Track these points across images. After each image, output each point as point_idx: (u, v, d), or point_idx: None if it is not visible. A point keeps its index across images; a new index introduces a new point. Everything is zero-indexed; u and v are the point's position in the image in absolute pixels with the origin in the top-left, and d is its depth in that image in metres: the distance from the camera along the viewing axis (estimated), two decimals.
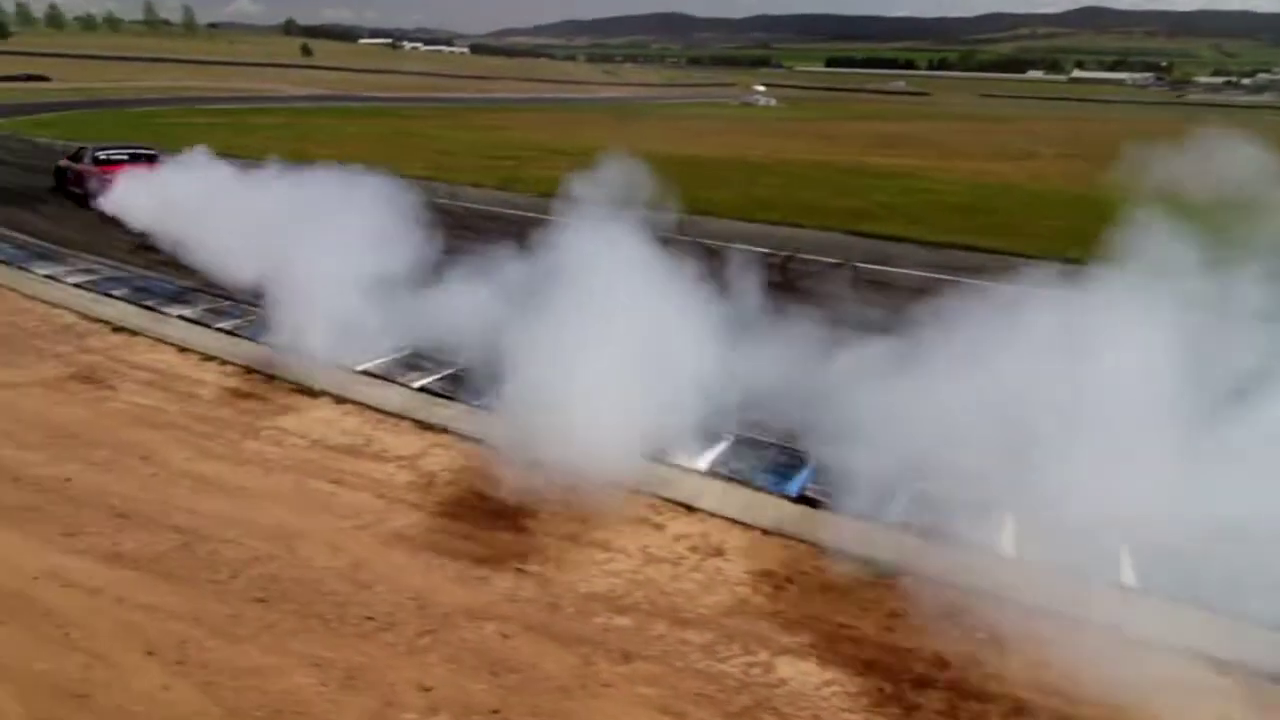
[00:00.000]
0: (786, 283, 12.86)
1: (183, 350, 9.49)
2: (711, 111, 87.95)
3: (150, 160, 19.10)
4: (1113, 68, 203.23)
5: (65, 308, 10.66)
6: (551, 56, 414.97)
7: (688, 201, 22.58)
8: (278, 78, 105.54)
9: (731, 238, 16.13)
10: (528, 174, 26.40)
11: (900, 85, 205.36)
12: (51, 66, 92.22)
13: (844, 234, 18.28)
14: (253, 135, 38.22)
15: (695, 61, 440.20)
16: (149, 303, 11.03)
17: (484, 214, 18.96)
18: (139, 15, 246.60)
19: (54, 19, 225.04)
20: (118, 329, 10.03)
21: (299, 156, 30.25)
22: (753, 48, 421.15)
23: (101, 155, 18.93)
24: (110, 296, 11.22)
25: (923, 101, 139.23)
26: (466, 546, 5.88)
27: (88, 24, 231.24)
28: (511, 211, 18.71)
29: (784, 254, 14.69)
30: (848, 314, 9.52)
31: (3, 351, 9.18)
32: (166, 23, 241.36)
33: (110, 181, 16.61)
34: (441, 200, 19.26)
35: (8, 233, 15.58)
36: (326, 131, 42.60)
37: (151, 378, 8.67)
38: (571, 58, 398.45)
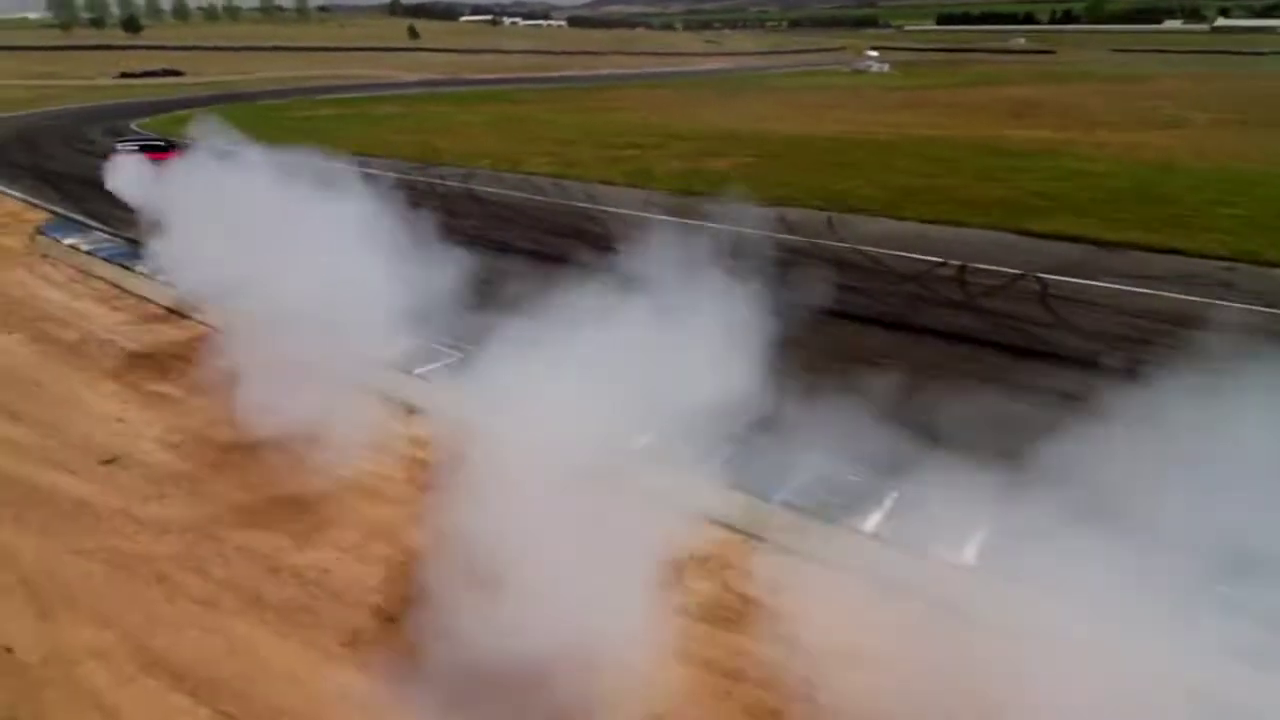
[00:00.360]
0: (969, 303, 11.87)
1: None
2: (823, 81, 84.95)
3: (160, 150, 22.03)
4: (1263, 14, 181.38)
5: None
6: (649, 26, 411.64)
7: (825, 194, 21.83)
8: (391, 63, 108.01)
9: (886, 241, 15.18)
10: (656, 166, 25.82)
11: (1021, 42, 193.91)
12: (182, 60, 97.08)
13: (1008, 233, 16.88)
14: (379, 128, 38.95)
15: (796, 24, 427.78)
16: None
17: (630, 220, 18.22)
18: (255, 2, 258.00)
19: (180, 10, 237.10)
20: None
21: (427, 152, 30.99)
22: (856, 7, 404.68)
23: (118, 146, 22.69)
24: None
25: (1048, 60, 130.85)
26: None
27: (210, 14, 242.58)
28: (657, 217, 18.18)
29: (954, 264, 13.66)
30: (1069, 347, 8.66)
31: None
32: (281, 9, 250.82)
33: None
34: (581, 203, 18.99)
35: None
36: (444, 121, 43.03)
37: None
38: (670, 26, 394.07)
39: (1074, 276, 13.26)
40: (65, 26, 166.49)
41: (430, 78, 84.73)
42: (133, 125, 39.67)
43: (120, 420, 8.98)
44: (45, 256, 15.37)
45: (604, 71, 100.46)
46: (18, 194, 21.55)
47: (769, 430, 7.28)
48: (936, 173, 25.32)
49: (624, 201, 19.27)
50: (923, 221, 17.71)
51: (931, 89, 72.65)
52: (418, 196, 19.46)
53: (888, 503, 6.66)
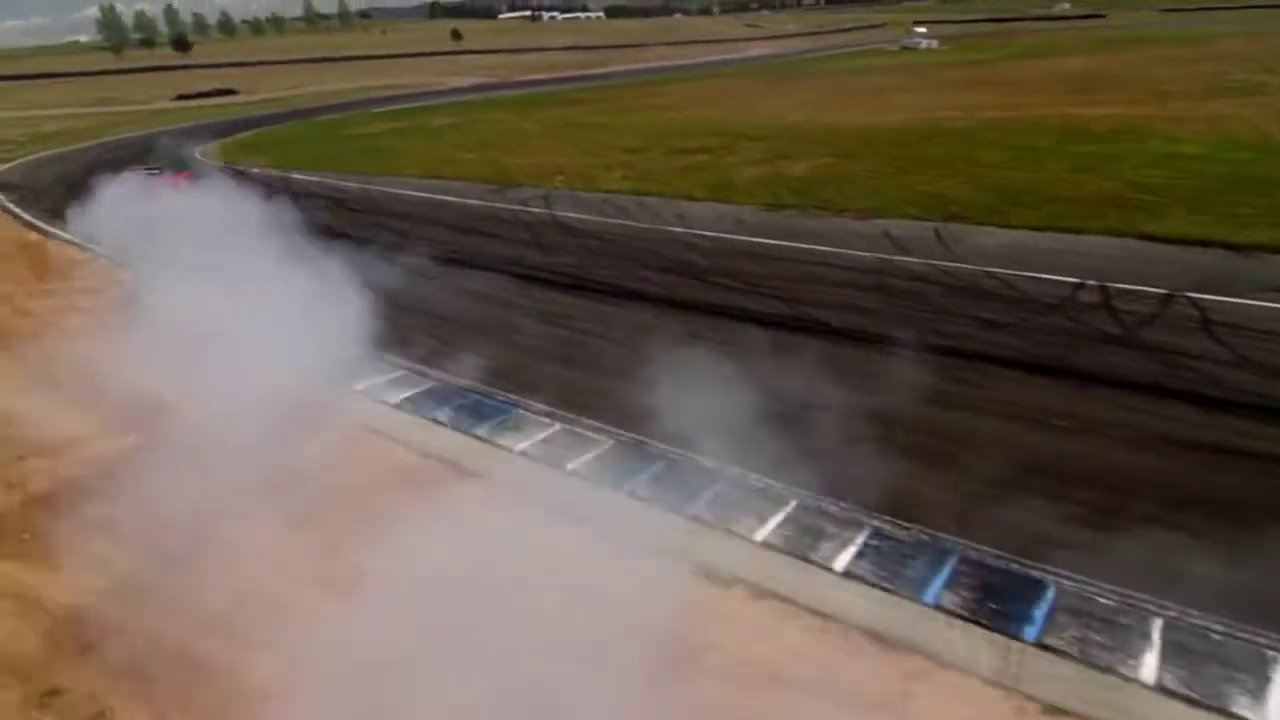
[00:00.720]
0: (1130, 338, 10.99)
1: None
2: (873, 62, 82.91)
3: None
4: None
5: None
6: (686, 11, 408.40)
7: (920, 200, 20.88)
8: (438, 68, 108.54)
9: (1009, 259, 14.28)
10: (732, 174, 25.12)
11: (1065, 7, 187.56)
12: (234, 77, 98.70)
13: (1129, 239, 15.77)
14: (440, 142, 38.83)
15: (835, 1, 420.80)
16: None
17: (735, 249, 17.04)
18: (298, 11, 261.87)
19: (226, 25, 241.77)
20: None
21: (498, 171, 30.67)
22: None
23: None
24: None
25: (1098, 25, 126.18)
26: None
27: (256, 28, 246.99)
28: (760, 241, 17.31)
29: (1093, 285, 12.72)
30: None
31: None
32: (323, 17, 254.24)
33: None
34: (674, 227, 18.36)
35: None
36: (504, 131, 42.73)
37: None
38: (706, 10, 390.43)
39: (1225, 295, 12.19)
40: (116, 49, 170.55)
41: (479, 82, 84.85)
42: (197, 154, 40.13)
43: None
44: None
45: (650, 64, 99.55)
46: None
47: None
48: (1024, 165, 24.17)
49: (717, 222, 18.62)
50: (1034, 229, 16.70)
51: (988, 64, 70.31)
52: (508, 229, 19.14)
53: None
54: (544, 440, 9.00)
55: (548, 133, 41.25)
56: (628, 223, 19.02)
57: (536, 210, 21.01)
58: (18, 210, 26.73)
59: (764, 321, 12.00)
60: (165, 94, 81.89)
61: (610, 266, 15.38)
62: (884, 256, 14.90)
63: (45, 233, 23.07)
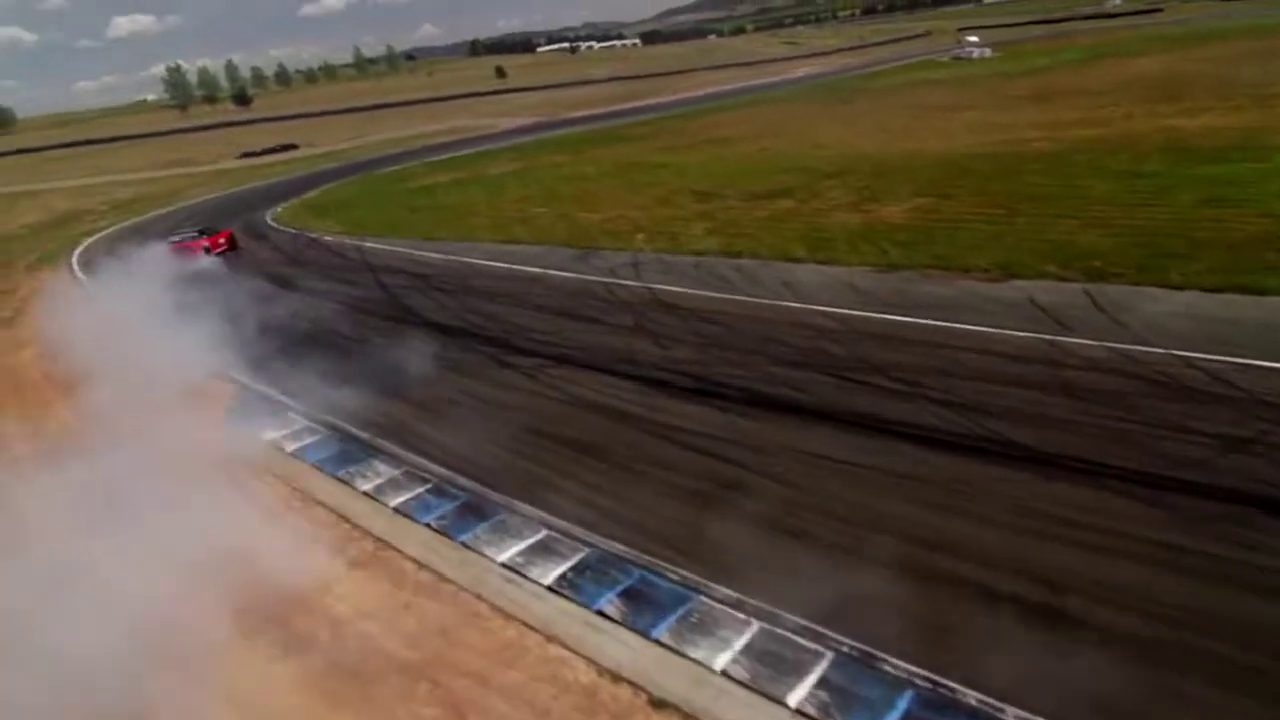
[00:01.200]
0: None
1: None
2: (930, 75, 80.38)
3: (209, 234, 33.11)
4: None
5: None
6: (719, 32, 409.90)
7: (1052, 253, 18.54)
8: (487, 109, 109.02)
9: (1197, 337, 12.09)
10: (826, 225, 23.28)
11: (1116, 3, 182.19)
12: (294, 131, 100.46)
13: None
14: (505, 196, 37.81)
15: (871, 11, 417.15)
16: None
17: (873, 332, 14.84)
18: (347, 58, 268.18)
19: (282, 76, 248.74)
20: None
21: (574, 231, 29.20)
22: None
23: (175, 237, 33.83)
24: None
25: (1157, 21, 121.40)
26: None
27: (310, 77, 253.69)
28: (892, 319, 15.24)
29: None
30: None
31: None
32: (372, 61, 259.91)
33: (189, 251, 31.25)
34: (787, 301, 16.59)
35: None
36: (566, 177, 41.64)
37: None
38: (740, 29, 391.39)
39: None
40: (182, 107, 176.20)
41: (528, 122, 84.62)
42: (269, 219, 39.83)
43: None
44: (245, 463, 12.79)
45: (695, 93, 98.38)
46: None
47: None
48: (1146, 197, 21.87)
49: (830, 292, 16.81)
50: (1206, 290, 14.55)
51: (1049, 72, 67.39)
52: (606, 310, 17.62)
53: None
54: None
55: (611, 176, 40.00)
56: (733, 296, 17.35)
57: (629, 283, 19.49)
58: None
59: (941, 442, 10.18)
60: (230, 152, 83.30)
61: (734, 361, 13.69)
62: (1045, 337, 12.94)
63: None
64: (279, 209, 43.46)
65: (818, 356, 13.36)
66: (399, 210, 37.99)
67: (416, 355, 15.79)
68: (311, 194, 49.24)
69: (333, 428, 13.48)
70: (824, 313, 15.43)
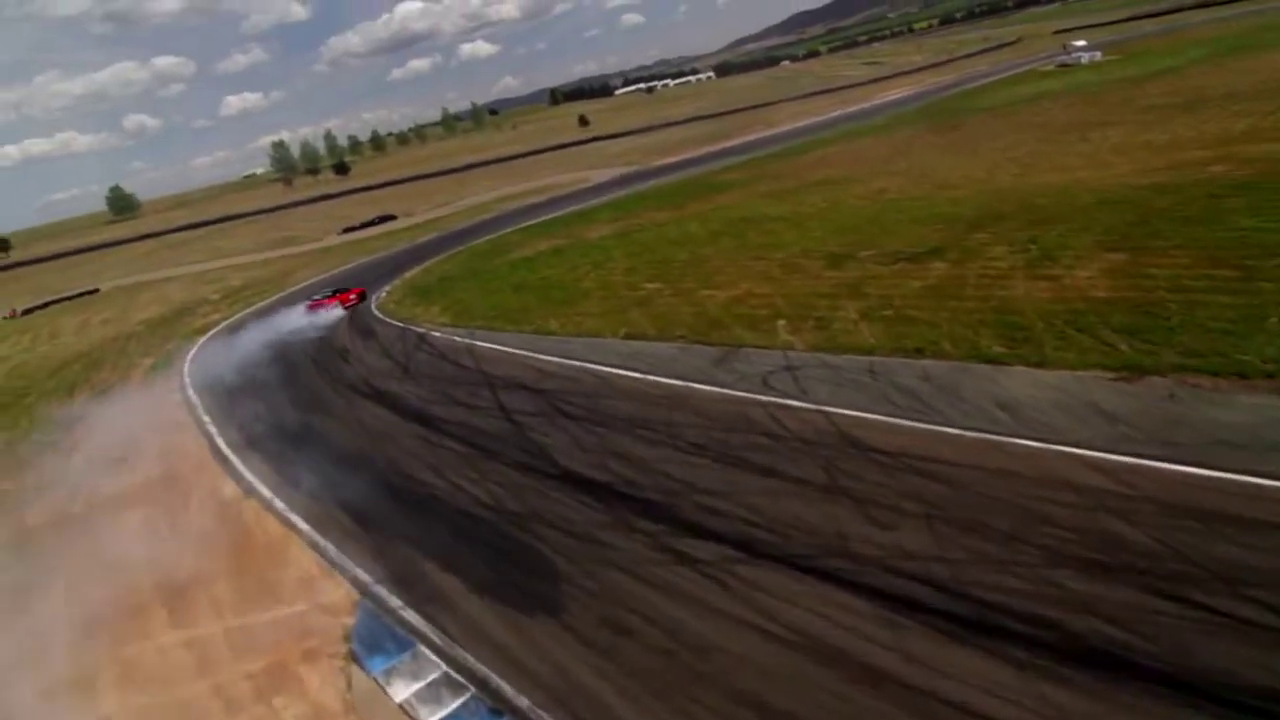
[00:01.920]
0: None
1: None
2: (1041, 88, 74.52)
3: (341, 294, 40.66)
4: None
5: None
6: (793, 57, 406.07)
7: None
8: (576, 161, 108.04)
9: None
10: (1004, 297, 19.28)
11: None
12: (390, 199, 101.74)
13: None
14: (611, 268, 35.00)
15: (949, 21, 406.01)
16: None
17: (1178, 505, 10.07)
18: (435, 115, 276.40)
19: (376, 142, 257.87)
20: None
21: (700, 320, 24.78)
22: None
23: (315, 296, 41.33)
24: None
25: (1265, 11, 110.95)
26: None
27: (402, 139, 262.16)
28: (1187, 472, 11.06)
29: None
30: None
31: None
32: (458, 118, 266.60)
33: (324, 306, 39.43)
34: (1025, 440, 12.51)
35: None
36: (673, 240, 38.60)
37: None
38: (814, 53, 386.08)
39: None
40: (287, 180, 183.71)
41: (620, 174, 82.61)
42: (374, 308, 38.24)
43: None
44: None
45: (784, 127, 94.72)
46: (304, 525, 16.14)
47: None
48: None
49: (1072, 419, 12.87)
50: None
51: (1181, 74, 60.93)
52: (782, 455, 14.00)
53: None
54: None
55: (723, 236, 36.74)
56: (941, 428, 13.62)
57: (795, 403, 16.01)
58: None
59: None
60: (332, 227, 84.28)
61: (991, 558, 9.95)
62: None
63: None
64: (383, 293, 42.01)
65: (1114, 549, 9.58)
66: (503, 290, 35.76)
67: (565, 543, 12.72)
68: (413, 271, 47.89)
69: (482, 681, 10.31)
70: (1084, 460, 11.59)
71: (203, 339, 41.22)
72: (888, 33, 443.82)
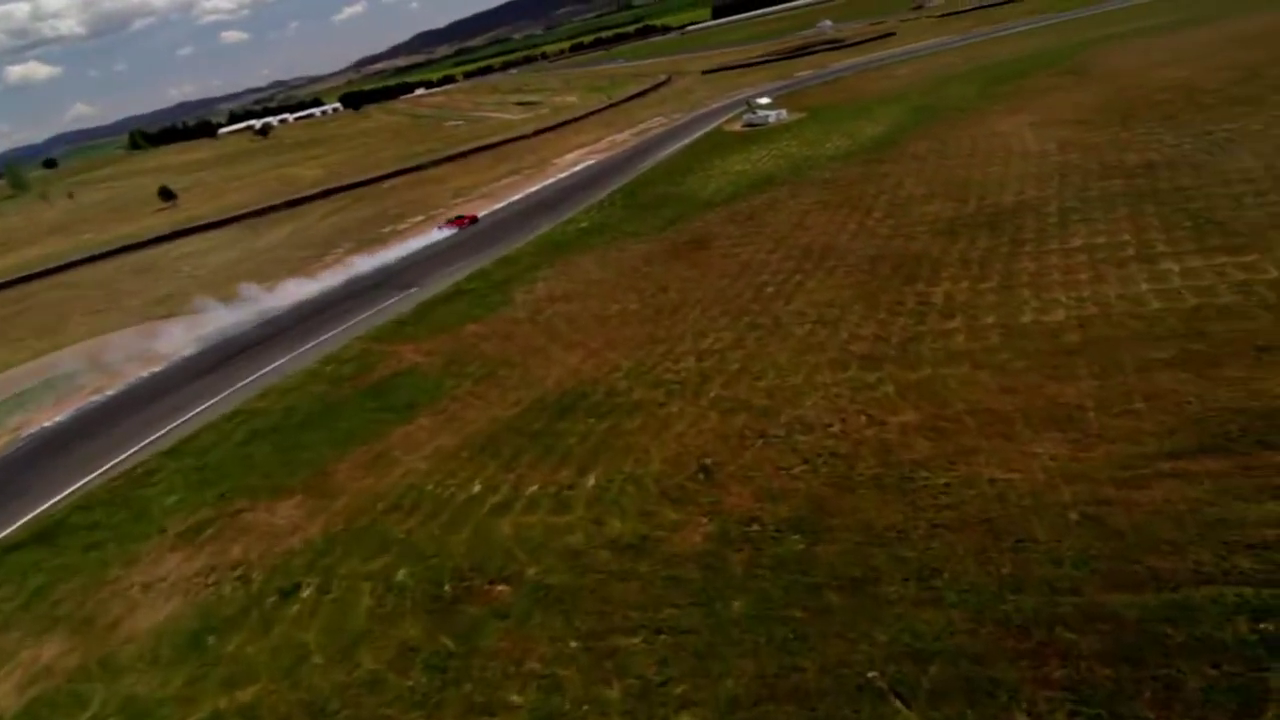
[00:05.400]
0: None
1: None
2: (754, 165, 59.89)
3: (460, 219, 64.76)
4: None
5: None
6: (427, 83, 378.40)
7: None
8: (124, 305, 70.22)
9: None
10: None
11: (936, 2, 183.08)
12: None
13: None
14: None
15: (578, 48, 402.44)
16: None
17: None
18: None
19: None
20: None
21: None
22: None
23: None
24: None
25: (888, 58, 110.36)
26: None
27: None
28: None
29: None
30: None
31: None
32: None
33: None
34: None
35: None
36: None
37: None
38: (449, 78, 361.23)
39: None
40: None
41: (188, 356, 50.90)
42: None
43: None
44: None
45: (451, 214, 68.24)
46: None
47: None
48: None
49: None
50: None
51: (899, 145, 50.35)
52: None
53: None
54: None
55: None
56: None
57: None
58: None
59: None
60: None
61: None
62: None
63: None
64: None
65: None
66: None
67: None
68: None
69: None
70: None
71: None
72: (521, 58, 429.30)
